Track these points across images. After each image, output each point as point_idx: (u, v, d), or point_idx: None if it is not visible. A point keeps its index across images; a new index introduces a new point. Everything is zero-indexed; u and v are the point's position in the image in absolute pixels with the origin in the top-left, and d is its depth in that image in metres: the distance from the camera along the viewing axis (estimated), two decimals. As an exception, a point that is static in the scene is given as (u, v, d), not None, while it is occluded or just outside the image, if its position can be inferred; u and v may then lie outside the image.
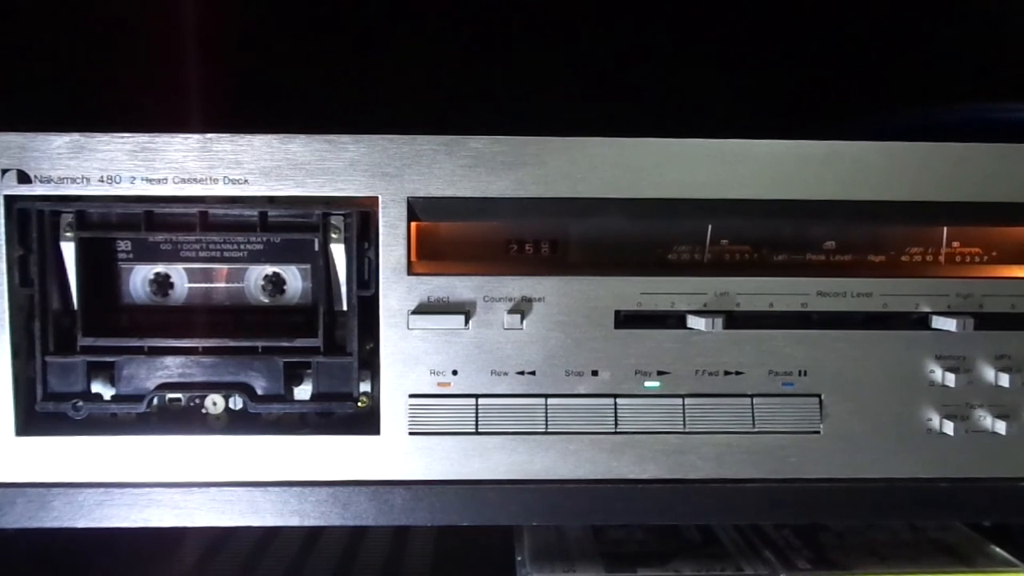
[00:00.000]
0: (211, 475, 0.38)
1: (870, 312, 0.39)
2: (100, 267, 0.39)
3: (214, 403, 0.39)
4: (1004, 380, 0.39)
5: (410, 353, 0.38)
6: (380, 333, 0.38)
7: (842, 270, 0.40)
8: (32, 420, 0.38)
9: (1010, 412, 0.39)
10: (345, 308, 0.39)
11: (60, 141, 0.37)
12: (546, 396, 0.39)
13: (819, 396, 0.39)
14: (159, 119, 0.39)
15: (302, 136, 0.37)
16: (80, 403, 0.38)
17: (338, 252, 0.38)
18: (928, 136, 0.39)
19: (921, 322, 0.39)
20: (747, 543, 0.49)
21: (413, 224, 0.38)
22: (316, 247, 0.38)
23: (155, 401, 0.39)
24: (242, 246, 0.40)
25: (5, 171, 0.36)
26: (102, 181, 0.37)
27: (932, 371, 0.39)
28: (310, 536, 0.57)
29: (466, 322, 0.38)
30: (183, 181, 0.37)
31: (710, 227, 0.39)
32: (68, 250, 0.38)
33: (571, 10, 0.63)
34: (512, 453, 0.39)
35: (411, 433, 0.38)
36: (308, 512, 0.39)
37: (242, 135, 0.37)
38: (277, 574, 0.53)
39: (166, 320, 0.40)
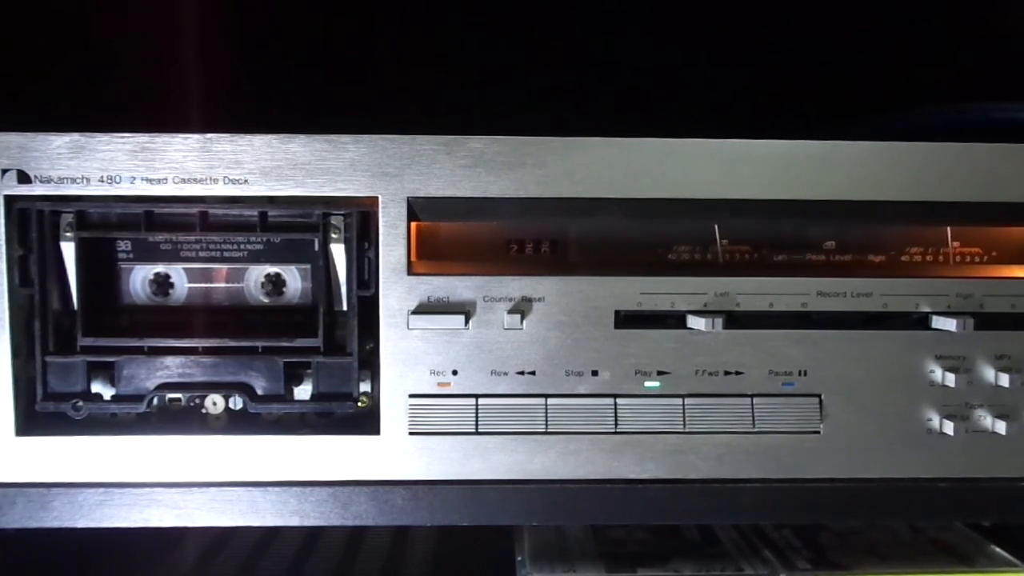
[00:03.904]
0: (211, 475, 0.38)
1: (870, 312, 0.39)
2: (100, 267, 0.39)
3: (214, 403, 0.39)
4: (1004, 380, 0.39)
5: (410, 353, 0.38)
6: (380, 333, 0.38)
7: (842, 270, 0.40)
8: (32, 420, 0.38)
9: (1010, 412, 0.39)
10: (345, 308, 0.39)
11: (60, 141, 0.37)
12: (546, 396, 0.39)
13: (819, 396, 0.39)
14: (159, 119, 0.39)
15: (302, 136, 0.37)
16: (80, 403, 0.38)
17: (338, 252, 0.38)
18: (928, 136, 0.39)
19: (921, 322, 0.39)
20: (747, 543, 0.49)
21: (413, 224, 0.38)
22: (316, 247, 0.38)
23: (155, 401, 0.39)
24: (242, 246, 0.40)
25: (5, 171, 0.36)
26: (102, 181, 0.37)
27: (932, 371, 0.39)
28: (310, 536, 0.57)
29: (466, 322, 0.38)
30: (183, 181, 0.37)
31: (710, 227, 0.39)
32: (68, 250, 0.38)
33: (571, 10, 0.63)
34: (512, 453, 0.39)
35: (411, 433, 0.38)
36: (308, 512, 0.39)
37: (242, 135, 0.37)
38: (277, 574, 0.53)
39: (166, 320, 0.40)
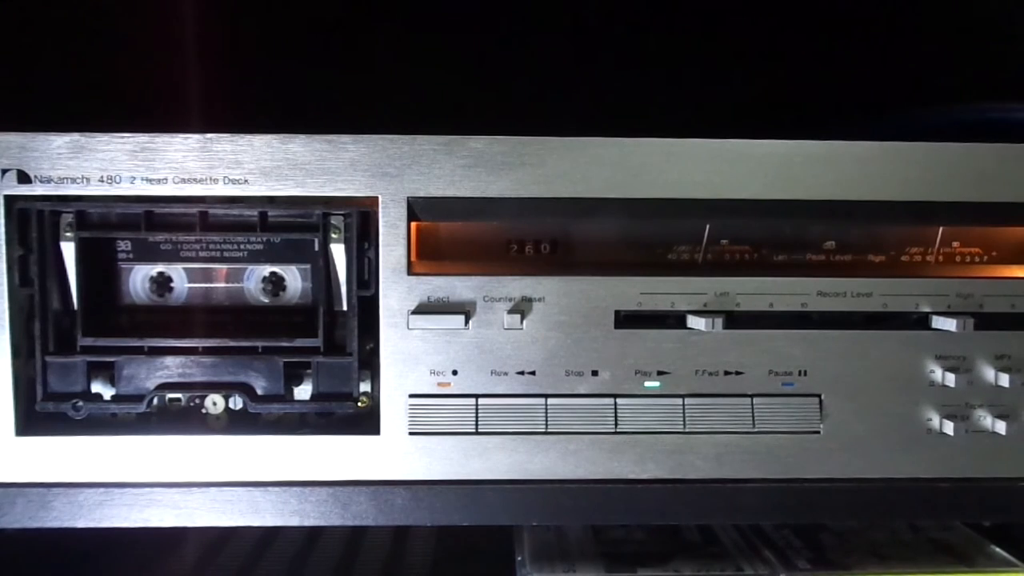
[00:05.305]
0: (211, 475, 0.38)
1: (870, 312, 0.39)
2: (100, 267, 0.39)
3: (214, 403, 0.39)
4: (1004, 380, 0.39)
5: (410, 353, 0.38)
6: (380, 333, 0.38)
7: (842, 270, 0.40)
8: (32, 420, 0.38)
9: (1010, 412, 0.39)
10: (345, 308, 0.39)
11: (60, 141, 0.37)
12: (546, 396, 0.39)
13: (819, 396, 0.39)
14: (159, 119, 0.39)
15: (302, 136, 0.37)
16: (80, 403, 0.38)
17: (338, 252, 0.38)
18: (928, 136, 0.39)
19: (921, 322, 0.39)
20: (747, 543, 0.49)
21: (413, 224, 0.38)
22: (316, 247, 0.38)
23: (155, 401, 0.39)
24: (242, 246, 0.40)
25: (5, 171, 0.36)
26: (102, 181, 0.37)
27: (932, 371, 0.39)
28: (310, 536, 0.57)
29: (466, 322, 0.38)
30: (183, 181, 0.37)
31: (709, 227, 0.39)
32: (68, 250, 0.38)
33: (571, 10, 0.63)
34: (512, 453, 0.39)
35: (411, 433, 0.38)
36: (308, 512, 0.39)
37: (242, 135, 0.37)
38: (277, 574, 0.53)
39: (166, 320, 0.40)
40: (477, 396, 0.38)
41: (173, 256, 0.40)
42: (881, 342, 0.39)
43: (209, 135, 0.37)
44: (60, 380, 0.38)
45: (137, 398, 0.38)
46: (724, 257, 0.40)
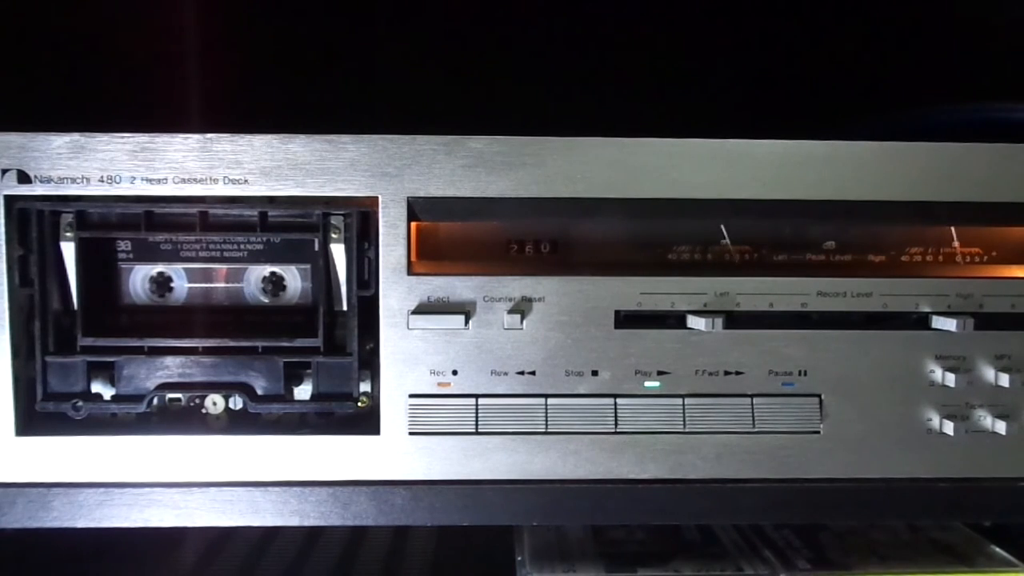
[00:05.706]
0: (211, 475, 0.38)
1: (870, 312, 0.39)
2: (100, 267, 0.39)
3: (214, 403, 0.39)
4: (1004, 380, 0.39)
5: (410, 353, 0.38)
6: (380, 333, 0.38)
7: (842, 270, 0.40)
8: (32, 420, 0.38)
9: (1010, 412, 0.39)
10: (345, 308, 0.39)
11: (60, 141, 0.37)
12: (546, 396, 0.39)
13: (819, 396, 0.39)
14: (159, 119, 0.39)
15: (302, 136, 0.37)
16: (80, 403, 0.38)
17: (338, 252, 0.38)
18: (928, 136, 0.39)
19: (921, 322, 0.39)
20: (747, 543, 0.49)
21: (413, 224, 0.38)
22: (316, 247, 0.38)
23: (155, 401, 0.39)
24: (242, 246, 0.40)
25: (5, 171, 0.36)
26: (102, 181, 0.37)
27: (932, 371, 0.39)
28: (310, 536, 0.57)
29: (466, 322, 0.38)
30: (183, 181, 0.37)
31: (710, 227, 0.39)
32: (68, 250, 0.38)
33: (571, 10, 0.63)
34: (512, 453, 0.39)
35: (411, 433, 0.38)
36: (308, 512, 0.39)
37: (242, 135, 0.37)
38: (277, 574, 0.53)
39: (166, 320, 0.40)
40: (477, 396, 0.38)
41: (173, 256, 0.40)
42: (881, 342, 0.39)
43: (209, 135, 0.37)
44: (60, 380, 0.38)
45: (137, 398, 0.38)
46: (724, 257, 0.40)
